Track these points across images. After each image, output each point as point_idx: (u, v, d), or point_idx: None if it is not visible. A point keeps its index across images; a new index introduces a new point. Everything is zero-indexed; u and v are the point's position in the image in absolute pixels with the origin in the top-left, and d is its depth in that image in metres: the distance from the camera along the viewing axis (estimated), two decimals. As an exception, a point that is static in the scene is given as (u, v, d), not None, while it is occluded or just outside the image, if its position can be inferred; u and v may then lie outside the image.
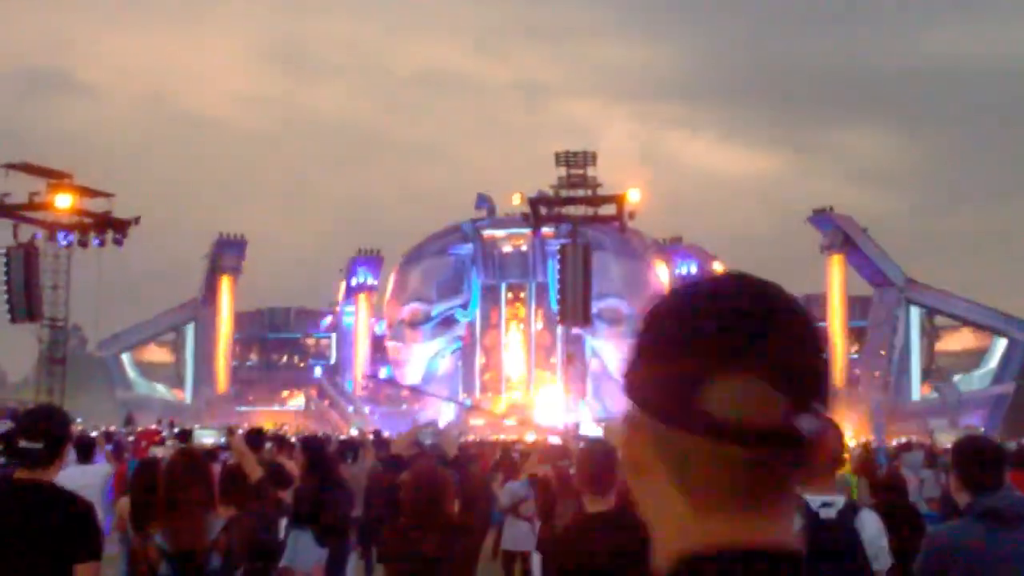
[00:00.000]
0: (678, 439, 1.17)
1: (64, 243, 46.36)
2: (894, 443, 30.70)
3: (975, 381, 59.51)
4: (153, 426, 36.92)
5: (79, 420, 44.04)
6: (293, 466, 10.12)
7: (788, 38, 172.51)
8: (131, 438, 26.48)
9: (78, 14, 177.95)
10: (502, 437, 38.89)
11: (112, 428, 35.85)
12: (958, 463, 4.87)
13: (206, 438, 24.08)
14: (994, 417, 54.28)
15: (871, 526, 4.51)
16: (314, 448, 9.10)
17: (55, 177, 45.17)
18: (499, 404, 60.81)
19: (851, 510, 4.52)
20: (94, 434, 18.81)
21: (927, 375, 61.90)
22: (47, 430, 4.58)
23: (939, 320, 63.54)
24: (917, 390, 61.29)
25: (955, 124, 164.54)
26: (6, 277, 45.12)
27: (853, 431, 52.68)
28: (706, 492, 1.19)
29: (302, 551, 7.20)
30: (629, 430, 1.28)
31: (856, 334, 62.54)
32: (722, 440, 1.16)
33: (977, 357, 60.54)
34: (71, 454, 12.87)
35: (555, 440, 25.95)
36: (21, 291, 45.01)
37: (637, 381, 1.24)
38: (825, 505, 4.47)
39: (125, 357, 70.80)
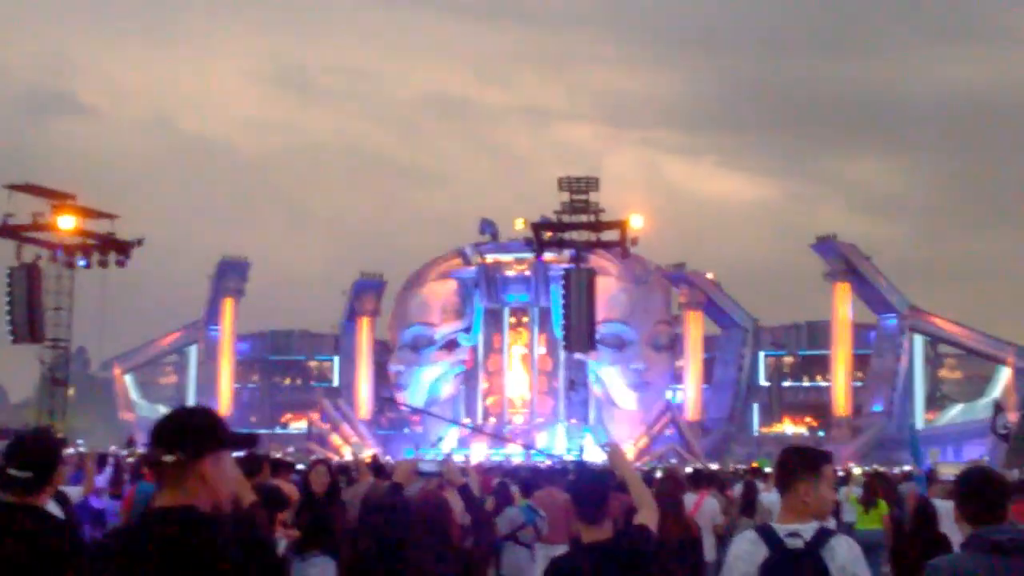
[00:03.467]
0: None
1: (67, 264, 46.38)
2: (896, 471, 30.55)
3: (978, 410, 59.37)
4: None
5: (80, 441, 44.04)
6: (292, 489, 10.06)
7: (792, 66, 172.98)
8: (131, 460, 26.32)
9: (81, 36, 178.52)
10: (503, 461, 38.76)
11: (112, 449, 35.73)
12: (961, 495, 4.82)
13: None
14: (997, 447, 54.07)
15: (843, 554, 4.44)
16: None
17: (58, 198, 45.21)
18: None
19: (820, 539, 4.47)
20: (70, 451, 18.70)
21: (931, 403, 61.76)
22: (36, 457, 4.53)
23: (943, 348, 63.44)
24: (921, 418, 61.15)
25: (959, 152, 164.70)
26: (9, 297, 45.15)
27: (858, 458, 52.57)
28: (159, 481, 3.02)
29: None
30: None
31: (860, 362, 62.41)
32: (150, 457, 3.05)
33: (981, 385, 60.41)
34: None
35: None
36: (24, 312, 45.00)
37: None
38: (792, 535, 4.43)
39: (128, 378, 70.83)
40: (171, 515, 2.95)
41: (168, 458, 3.00)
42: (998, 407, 42.93)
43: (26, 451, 4.56)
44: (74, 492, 10.91)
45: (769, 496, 14.53)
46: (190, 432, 3.10)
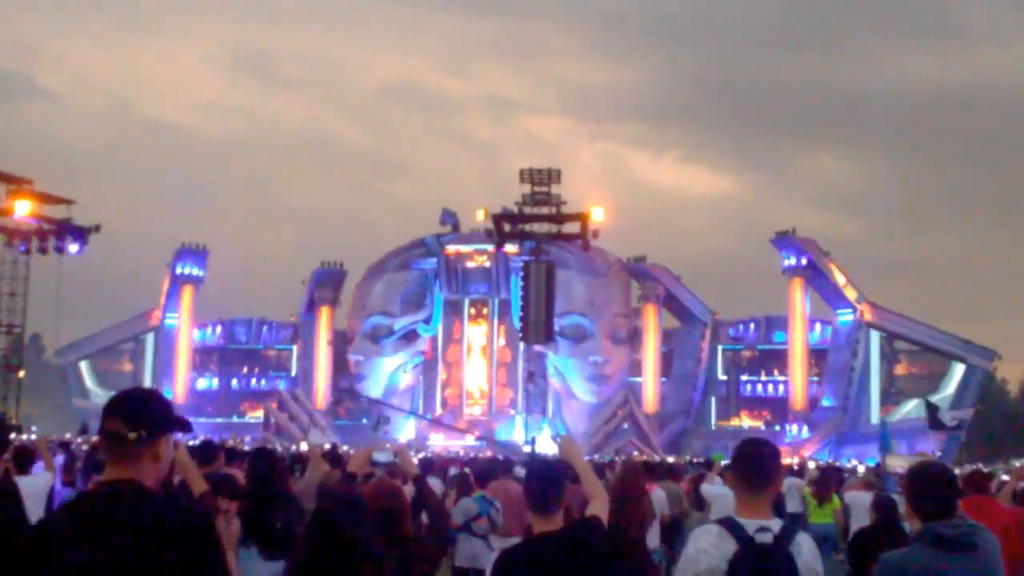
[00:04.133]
0: None
1: (23, 249, 45.90)
2: (850, 466, 30.80)
3: (932, 406, 59.97)
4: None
5: (34, 428, 43.62)
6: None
7: (754, 61, 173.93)
8: (85, 447, 26.09)
9: (39, 18, 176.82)
10: (460, 453, 38.74)
11: (67, 437, 35.42)
12: (910, 490, 4.84)
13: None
14: (951, 443, 54.63)
15: (806, 550, 4.45)
16: (257, 461, 8.95)
17: (15, 183, 44.73)
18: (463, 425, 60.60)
19: (788, 534, 4.46)
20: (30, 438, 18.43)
21: (885, 398, 62.27)
22: None
23: (899, 344, 63.98)
24: (876, 413, 61.64)
25: (918, 150, 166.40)
26: (-38, 283, 44.66)
27: (813, 452, 52.99)
28: (110, 455, 3.22)
29: (249, 571, 7.07)
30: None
31: (816, 356, 62.84)
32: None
33: (935, 382, 60.98)
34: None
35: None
36: (-22, 297, 44.55)
37: None
38: (762, 530, 4.40)
39: (83, 365, 70.17)
40: (122, 489, 3.17)
41: (132, 435, 3.20)
42: (930, 405, 43.47)
43: None
44: (38, 480, 10.67)
45: (711, 488, 14.73)
46: (153, 412, 3.31)
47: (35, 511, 9.41)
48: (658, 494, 13.77)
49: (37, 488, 9.91)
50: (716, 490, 14.09)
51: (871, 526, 9.24)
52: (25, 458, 10.51)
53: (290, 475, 11.70)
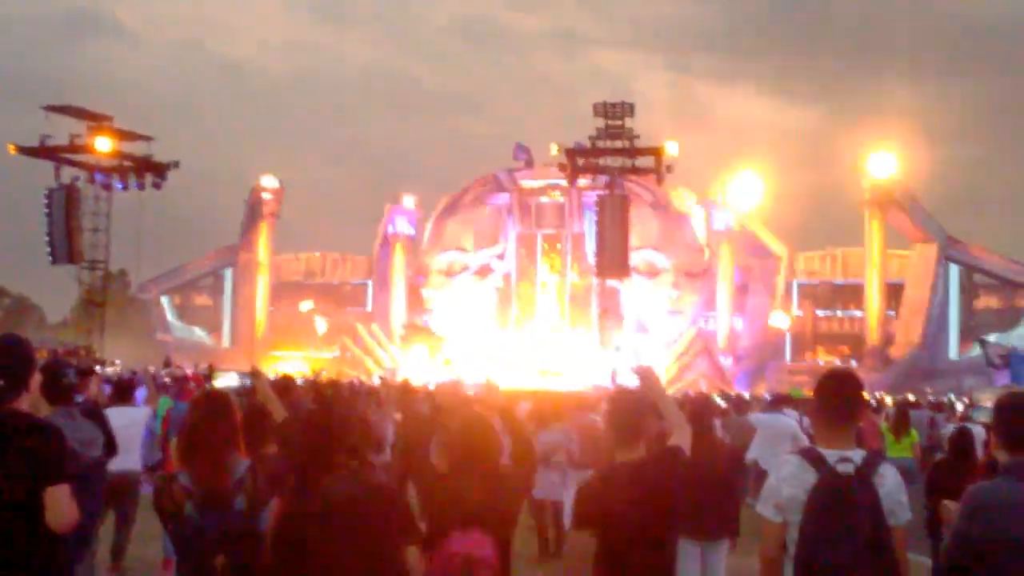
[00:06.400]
0: None
1: (104, 185, 46.53)
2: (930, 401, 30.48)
3: (1013, 340, 58.93)
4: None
5: (117, 362, 44.59)
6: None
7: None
8: (168, 380, 26.66)
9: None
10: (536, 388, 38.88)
11: (151, 370, 36.19)
12: (998, 421, 4.78)
13: (224, 381, 23.99)
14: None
15: (890, 480, 4.44)
16: (325, 390, 9.14)
17: (96, 120, 45.24)
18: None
19: (870, 464, 4.44)
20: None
21: (964, 333, 61.36)
22: (6, 366, 4.53)
23: (978, 278, 62.90)
24: (955, 348, 60.81)
25: (999, 79, 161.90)
26: (48, 218, 45.42)
27: (889, 388, 52.43)
28: None
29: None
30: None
31: (894, 291, 61.97)
32: None
33: (1016, 315, 59.99)
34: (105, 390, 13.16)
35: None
36: (63, 233, 45.28)
37: None
38: (843, 460, 4.40)
39: (164, 300, 71.37)
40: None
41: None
42: (983, 342, 42.45)
43: None
44: (137, 412, 11.07)
45: (758, 416, 14.90)
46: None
47: (135, 439, 10.20)
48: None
49: (134, 418, 10.53)
50: (762, 417, 14.35)
51: (946, 458, 9.16)
52: (123, 390, 11.19)
53: (367, 407, 11.93)
